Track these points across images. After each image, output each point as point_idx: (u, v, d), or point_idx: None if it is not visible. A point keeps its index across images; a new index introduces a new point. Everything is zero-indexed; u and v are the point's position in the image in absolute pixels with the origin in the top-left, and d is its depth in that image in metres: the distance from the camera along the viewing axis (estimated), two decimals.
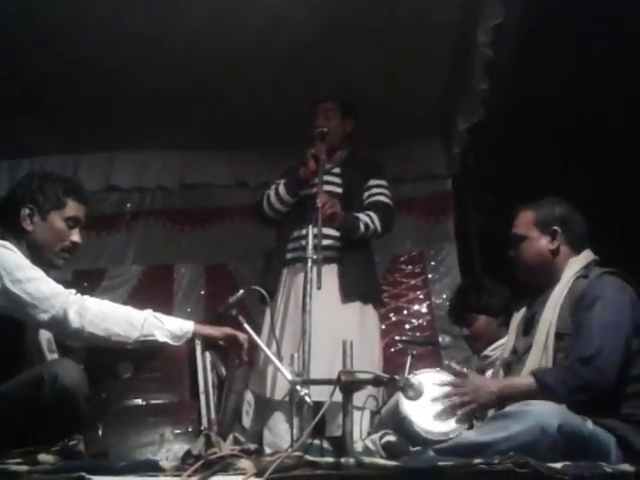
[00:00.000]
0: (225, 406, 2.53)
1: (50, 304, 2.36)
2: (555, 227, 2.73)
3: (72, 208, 2.63)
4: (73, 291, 2.43)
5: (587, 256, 2.72)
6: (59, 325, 2.37)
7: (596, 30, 3.78)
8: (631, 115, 4.08)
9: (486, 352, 3.45)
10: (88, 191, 4.88)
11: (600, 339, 2.42)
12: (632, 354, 2.47)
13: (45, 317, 2.36)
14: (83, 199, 2.68)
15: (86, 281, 5.12)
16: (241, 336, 2.58)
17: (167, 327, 2.46)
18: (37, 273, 2.41)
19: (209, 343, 2.55)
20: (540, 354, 2.53)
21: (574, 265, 2.68)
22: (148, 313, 2.47)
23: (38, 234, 2.57)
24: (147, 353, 2.55)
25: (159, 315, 2.49)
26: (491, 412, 2.58)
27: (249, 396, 2.71)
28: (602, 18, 3.69)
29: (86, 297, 2.44)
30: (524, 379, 2.50)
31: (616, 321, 2.47)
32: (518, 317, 2.84)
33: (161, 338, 2.44)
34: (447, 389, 2.53)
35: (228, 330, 2.59)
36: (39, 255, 2.55)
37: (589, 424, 2.29)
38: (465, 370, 2.74)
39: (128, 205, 5.47)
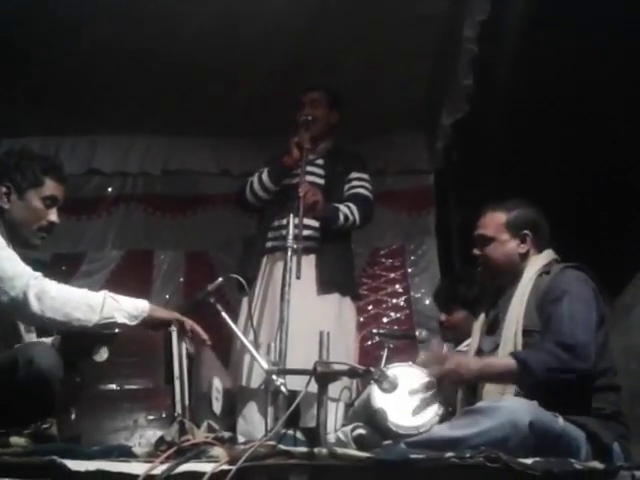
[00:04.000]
0: (193, 391, 2.52)
1: (11, 285, 2.32)
2: (526, 231, 2.74)
3: (50, 187, 2.60)
4: (37, 274, 2.39)
5: (548, 255, 2.75)
6: (19, 308, 2.34)
7: (584, 28, 3.80)
8: (618, 112, 4.11)
9: (460, 348, 3.47)
10: (69, 174, 4.93)
11: (574, 328, 2.45)
12: (598, 347, 2.50)
13: (5, 298, 2.32)
14: (62, 178, 2.66)
15: (65, 265, 5.10)
16: (188, 323, 2.54)
17: (124, 308, 2.44)
18: (4, 252, 2.38)
19: (157, 326, 2.53)
20: (510, 350, 2.53)
21: (536, 263, 2.71)
22: (105, 294, 2.44)
23: (15, 212, 2.54)
24: (123, 338, 2.54)
25: (115, 295, 2.46)
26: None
27: (217, 382, 2.71)
28: (591, 16, 3.71)
29: (46, 280, 2.39)
30: (503, 359, 2.51)
31: (585, 313, 2.50)
32: (481, 318, 2.86)
33: (120, 320, 2.41)
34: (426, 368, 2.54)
35: (178, 315, 2.55)
36: (16, 234, 2.53)
37: (560, 421, 2.31)
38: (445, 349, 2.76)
39: (109, 189, 5.43)
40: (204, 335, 2.58)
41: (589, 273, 2.64)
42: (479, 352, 2.77)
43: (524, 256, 2.74)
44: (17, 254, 2.44)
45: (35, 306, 2.32)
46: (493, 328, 2.74)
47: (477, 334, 2.84)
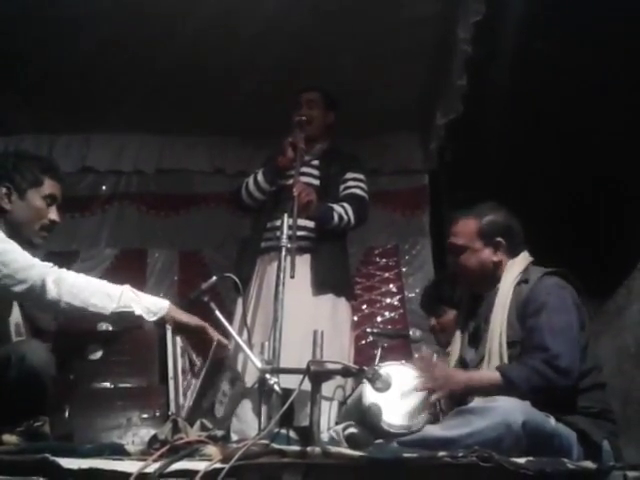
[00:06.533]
0: (201, 394, 2.52)
1: (27, 274, 2.34)
2: (499, 238, 2.72)
3: (49, 186, 2.64)
4: (50, 264, 2.42)
5: (524, 259, 2.73)
6: (36, 296, 2.35)
7: (578, 29, 3.81)
8: (612, 114, 4.12)
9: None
10: (63, 172, 4.93)
11: (558, 341, 2.45)
12: (581, 352, 2.50)
13: (21, 288, 2.34)
14: (59, 177, 2.70)
15: (58, 263, 5.06)
16: (211, 331, 2.54)
17: (143, 302, 2.45)
18: (13, 246, 2.40)
19: (178, 329, 2.53)
20: (497, 364, 2.53)
21: (512, 270, 2.69)
22: (125, 287, 2.46)
23: (17, 213, 2.57)
24: (117, 336, 2.54)
25: (135, 290, 2.48)
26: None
27: (225, 386, 2.71)
28: (585, 17, 3.72)
29: (63, 269, 2.43)
30: (490, 373, 2.51)
31: (566, 323, 2.51)
32: (461, 327, 2.85)
33: (137, 311, 2.42)
34: (416, 376, 2.54)
35: (201, 321, 2.55)
36: (19, 234, 2.55)
37: (552, 421, 2.32)
38: (435, 358, 2.75)
39: (103, 187, 5.42)
40: (225, 341, 2.58)
41: (568, 278, 2.63)
42: (462, 363, 2.75)
43: (498, 264, 2.72)
44: None
45: (53, 292, 2.34)
46: (475, 339, 2.73)
47: (458, 344, 2.82)
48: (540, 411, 2.32)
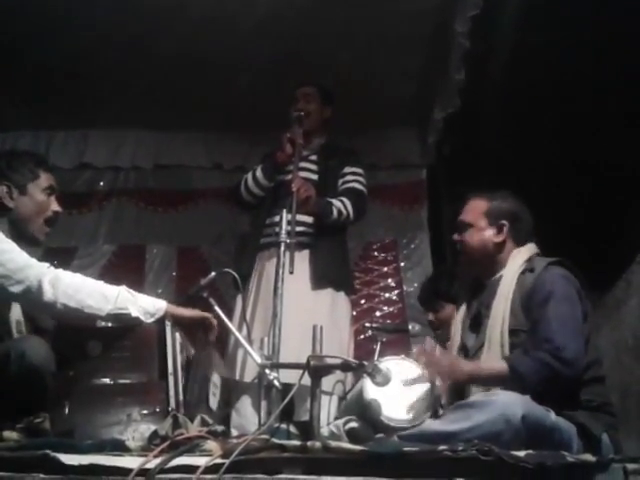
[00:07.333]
0: (191, 387, 2.53)
1: (24, 275, 2.35)
2: (504, 221, 2.75)
3: (45, 178, 2.68)
4: (46, 264, 2.42)
5: (530, 249, 2.74)
6: (32, 297, 2.36)
7: (577, 22, 3.81)
8: (610, 108, 4.12)
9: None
10: (61, 168, 4.95)
11: (564, 332, 2.46)
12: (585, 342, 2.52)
13: (18, 288, 2.34)
14: (51, 169, 2.77)
15: (57, 259, 5.05)
16: (211, 318, 2.58)
17: (140, 303, 2.47)
18: (11, 246, 2.41)
19: (179, 324, 2.55)
20: (497, 351, 2.54)
21: (517, 258, 2.70)
22: (122, 288, 2.48)
23: (21, 208, 2.61)
24: (117, 332, 2.54)
25: (132, 291, 2.49)
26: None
27: (215, 377, 2.71)
28: (582, 13, 3.72)
29: (60, 270, 2.43)
30: (496, 363, 2.52)
31: (572, 313, 2.52)
32: (461, 313, 2.86)
33: (134, 313, 2.44)
34: (423, 361, 2.55)
35: (200, 312, 2.59)
36: (23, 231, 2.59)
37: (552, 415, 2.32)
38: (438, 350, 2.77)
39: (101, 184, 5.41)
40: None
41: (572, 269, 2.64)
42: (463, 348, 2.76)
43: (499, 246, 2.74)
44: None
45: (49, 293, 2.35)
46: (477, 325, 2.73)
47: (459, 329, 2.83)
48: (540, 405, 2.32)
